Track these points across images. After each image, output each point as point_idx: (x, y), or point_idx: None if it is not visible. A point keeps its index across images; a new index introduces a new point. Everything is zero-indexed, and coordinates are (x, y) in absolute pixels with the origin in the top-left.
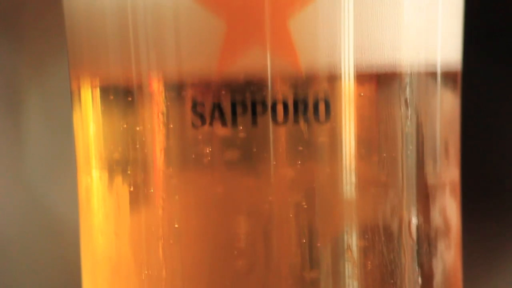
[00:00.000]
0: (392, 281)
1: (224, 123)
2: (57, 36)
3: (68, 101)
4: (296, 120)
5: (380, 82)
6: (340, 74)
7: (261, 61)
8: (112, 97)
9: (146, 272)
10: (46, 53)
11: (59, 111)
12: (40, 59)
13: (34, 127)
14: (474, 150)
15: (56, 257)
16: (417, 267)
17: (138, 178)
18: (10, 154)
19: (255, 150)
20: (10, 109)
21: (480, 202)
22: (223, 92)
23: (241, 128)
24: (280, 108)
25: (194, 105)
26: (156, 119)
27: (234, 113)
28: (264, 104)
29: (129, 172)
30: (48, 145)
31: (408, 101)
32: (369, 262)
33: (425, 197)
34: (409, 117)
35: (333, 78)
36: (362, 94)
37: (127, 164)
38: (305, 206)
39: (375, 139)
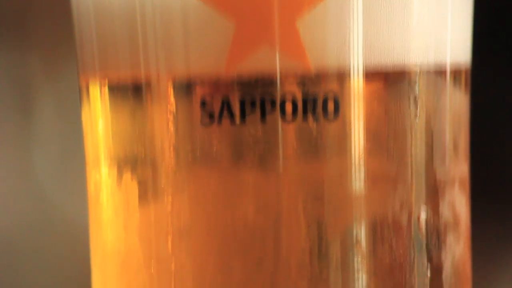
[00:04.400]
0: (401, 274)
1: (232, 121)
2: (68, 35)
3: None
4: (305, 118)
5: (389, 80)
6: (349, 72)
7: (270, 59)
8: (120, 95)
9: (155, 266)
10: (57, 53)
11: (70, 110)
12: (51, 58)
13: (45, 126)
14: (482, 148)
15: (66, 254)
16: (426, 260)
17: (147, 174)
18: (20, 152)
19: (264, 147)
20: (22, 109)
21: (485, 201)
22: (232, 90)
23: (250, 125)
24: (289, 106)
25: (203, 103)
26: (164, 117)
27: (242, 110)
28: (273, 102)
29: (138, 168)
30: (58, 144)
31: (417, 98)
32: (378, 256)
33: (434, 192)
34: (418, 115)
35: (342, 76)
36: (371, 92)
37: (136, 161)
38: (314, 202)
39: (384, 136)
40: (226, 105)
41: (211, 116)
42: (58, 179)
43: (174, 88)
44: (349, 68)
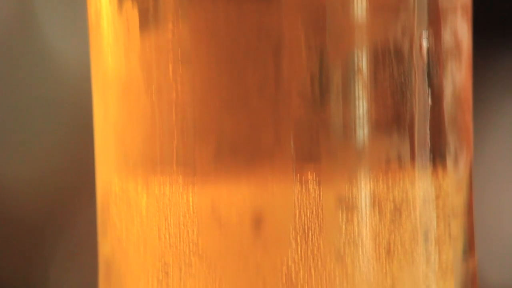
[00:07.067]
0: (402, 101)
1: None
2: None
3: None
4: None
5: None
6: None
7: None
8: None
9: (155, 93)
10: None
11: None
12: None
13: None
14: None
15: (61, 89)
16: (427, 87)
17: (147, 1)
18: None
19: None
20: None
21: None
22: None
23: None
24: None
25: None
26: None
27: None
28: None
29: None
30: None
31: None
32: (379, 83)
33: (436, 18)
34: None
35: None
36: None
37: None
38: (316, 28)
39: None
40: None
41: None
42: (58, 14)
43: None
44: None
